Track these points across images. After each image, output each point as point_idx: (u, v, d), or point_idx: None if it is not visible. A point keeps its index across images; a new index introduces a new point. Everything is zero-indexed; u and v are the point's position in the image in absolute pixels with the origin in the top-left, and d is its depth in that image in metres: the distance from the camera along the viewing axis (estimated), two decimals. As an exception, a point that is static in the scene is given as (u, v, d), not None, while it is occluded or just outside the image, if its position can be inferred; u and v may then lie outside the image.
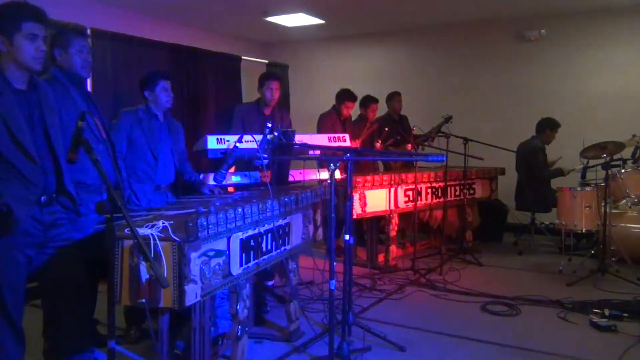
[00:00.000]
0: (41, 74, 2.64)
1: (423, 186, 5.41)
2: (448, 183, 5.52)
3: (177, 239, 2.30)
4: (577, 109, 6.66)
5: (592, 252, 5.18)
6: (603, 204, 4.88)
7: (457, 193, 5.78)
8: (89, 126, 2.89)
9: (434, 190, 5.52)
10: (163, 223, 2.34)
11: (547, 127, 5.93)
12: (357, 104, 5.89)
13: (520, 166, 6.07)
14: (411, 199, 5.25)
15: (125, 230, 2.30)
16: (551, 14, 6.78)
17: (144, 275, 2.26)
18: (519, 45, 7.10)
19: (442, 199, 5.49)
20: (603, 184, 5.06)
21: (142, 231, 2.27)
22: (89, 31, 4.51)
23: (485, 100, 7.29)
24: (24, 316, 2.50)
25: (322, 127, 5.54)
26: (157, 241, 2.28)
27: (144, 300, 2.30)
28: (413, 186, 5.22)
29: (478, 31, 7.32)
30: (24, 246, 2.37)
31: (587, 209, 5.19)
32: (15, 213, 2.28)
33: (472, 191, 5.98)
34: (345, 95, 5.66)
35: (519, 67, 7.11)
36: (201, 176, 3.82)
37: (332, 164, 3.01)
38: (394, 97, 6.37)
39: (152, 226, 2.33)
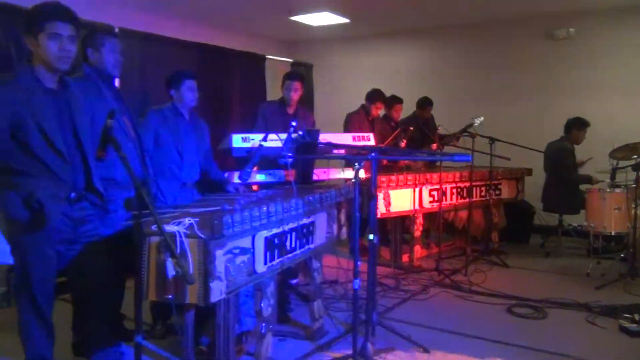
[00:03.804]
0: (72, 72, 2.69)
1: (448, 186, 5.36)
2: (474, 183, 5.46)
3: (203, 236, 2.32)
4: (606, 110, 6.52)
5: (622, 255, 5.07)
6: (633, 205, 4.77)
7: (483, 193, 5.71)
8: (119, 124, 2.94)
9: (459, 190, 5.47)
10: (189, 220, 2.36)
11: (575, 127, 5.82)
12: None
13: (547, 167, 5.97)
14: (436, 199, 5.20)
15: (152, 227, 2.32)
16: (580, 12, 6.65)
17: (171, 271, 2.29)
18: (547, 45, 6.98)
19: (467, 200, 5.44)
20: (633, 185, 4.94)
21: (169, 228, 2.29)
22: (117, 30, 4.58)
23: (513, 100, 7.18)
24: (53, 310, 2.56)
25: (350, 126, 5.53)
26: (183, 238, 2.30)
27: (170, 296, 2.33)
28: (438, 186, 5.17)
29: (505, 30, 7.22)
30: (54, 242, 2.43)
31: (617, 210, 5.07)
32: (46, 209, 2.33)
33: (498, 192, 5.90)
34: (376, 96, 5.64)
35: (547, 67, 6.99)
36: (226, 174, 3.84)
37: (356, 163, 3.00)
38: (425, 107, 6.33)
39: (179, 223, 2.35)
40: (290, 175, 3.59)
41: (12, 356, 2.96)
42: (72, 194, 2.46)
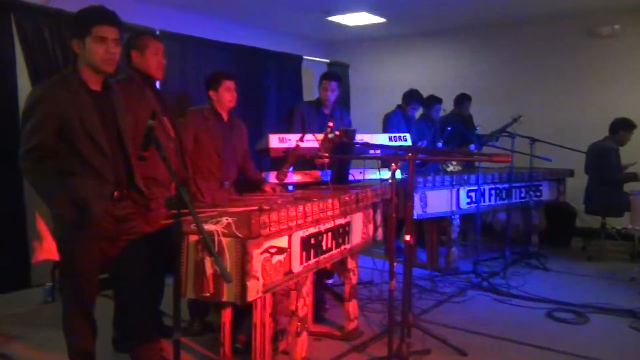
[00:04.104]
0: (116, 74, 2.76)
1: (486, 187, 5.27)
2: (513, 184, 5.36)
3: (240, 236, 2.35)
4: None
5: (669, 260, 4.90)
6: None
7: (523, 195, 5.60)
8: (161, 124, 3.00)
9: (498, 191, 5.38)
10: (227, 219, 2.39)
11: (622, 128, 5.64)
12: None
13: (590, 168, 5.81)
14: (474, 200, 5.13)
15: (192, 226, 2.36)
16: (625, 8, 6.43)
17: (209, 269, 2.32)
18: (590, 42, 6.78)
19: (506, 201, 5.34)
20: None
21: (207, 227, 2.33)
22: (157, 33, 4.68)
23: (554, 99, 7.01)
24: (95, 306, 2.63)
25: (389, 126, 5.50)
26: (221, 237, 2.33)
27: (208, 294, 2.36)
28: (476, 187, 5.09)
29: (546, 27, 7.05)
30: (98, 239, 2.49)
31: (664, 214, 4.90)
32: (91, 208, 2.39)
33: (538, 193, 5.77)
34: (412, 96, 5.60)
35: (590, 65, 6.79)
36: (263, 174, 3.88)
37: (393, 164, 2.99)
38: (463, 102, 6.25)
39: (217, 222, 2.38)
40: (327, 175, 3.60)
41: (56, 349, 3.07)
42: (115, 193, 2.53)
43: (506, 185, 5.35)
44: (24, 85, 3.94)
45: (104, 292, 3.71)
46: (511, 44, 7.35)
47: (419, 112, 5.96)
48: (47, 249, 4.32)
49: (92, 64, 2.45)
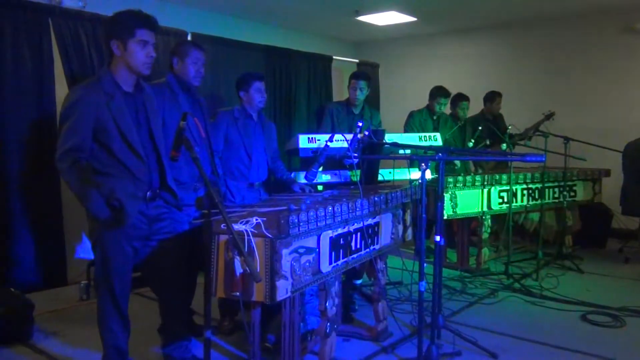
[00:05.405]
0: (152, 78, 2.81)
1: (519, 187, 5.19)
2: (546, 184, 5.26)
3: (270, 235, 2.36)
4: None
5: None
6: None
7: (556, 195, 5.48)
8: (189, 127, 3.05)
9: (530, 191, 5.28)
10: (256, 219, 2.41)
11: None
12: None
13: (627, 168, 5.65)
14: (506, 200, 5.05)
15: (222, 226, 2.40)
16: (665, 3, 6.25)
17: (238, 269, 2.35)
18: (627, 38, 6.60)
19: (539, 201, 5.24)
20: None
21: (237, 227, 2.35)
22: (190, 35, 4.76)
23: (590, 97, 6.84)
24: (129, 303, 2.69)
25: (411, 124, 5.46)
26: (251, 237, 2.36)
27: (238, 293, 2.39)
28: (508, 187, 5.01)
29: (582, 23, 6.88)
30: (131, 238, 2.55)
31: None
32: (125, 208, 2.45)
33: (572, 193, 5.64)
34: (437, 91, 5.54)
35: (627, 62, 6.60)
36: (293, 174, 3.90)
37: (423, 164, 2.97)
38: (494, 98, 6.15)
39: (247, 222, 2.40)
40: (356, 175, 3.59)
41: (91, 345, 3.14)
42: (148, 193, 2.58)
43: (539, 185, 5.25)
44: (60, 87, 4.05)
45: (137, 290, 3.80)
46: (546, 41, 7.20)
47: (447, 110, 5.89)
48: (83, 248, 4.44)
49: (132, 66, 2.51)
